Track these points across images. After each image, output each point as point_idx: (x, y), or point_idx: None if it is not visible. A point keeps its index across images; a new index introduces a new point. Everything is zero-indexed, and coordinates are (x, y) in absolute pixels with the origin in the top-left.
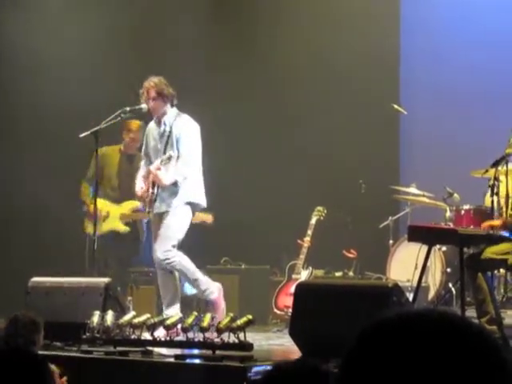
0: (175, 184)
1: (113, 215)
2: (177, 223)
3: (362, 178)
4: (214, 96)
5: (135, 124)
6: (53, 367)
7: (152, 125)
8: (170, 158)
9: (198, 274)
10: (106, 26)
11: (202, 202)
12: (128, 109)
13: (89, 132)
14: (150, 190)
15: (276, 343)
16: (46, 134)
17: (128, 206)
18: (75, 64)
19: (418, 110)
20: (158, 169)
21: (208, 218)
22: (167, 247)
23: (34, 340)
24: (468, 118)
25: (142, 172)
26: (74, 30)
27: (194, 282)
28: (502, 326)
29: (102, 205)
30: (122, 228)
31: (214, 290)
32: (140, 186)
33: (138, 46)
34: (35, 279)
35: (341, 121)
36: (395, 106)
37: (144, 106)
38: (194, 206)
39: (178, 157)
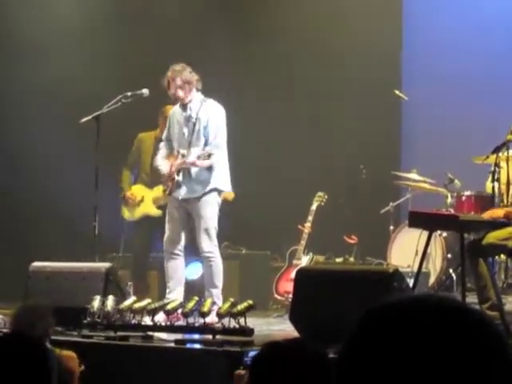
0: (208, 169)
1: (147, 199)
2: (212, 214)
3: (363, 163)
4: (218, 83)
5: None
6: (71, 353)
7: (177, 109)
8: (210, 156)
9: (221, 285)
10: (107, 11)
11: (227, 187)
12: (129, 94)
13: (90, 117)
14: (176, 177)
15: (276, 328)
16: (46, 120)
17: (160, 189)
18: (77, 49)
19: (419, 95)
20: (194, 163)
21: (229, 195)
22: (213, 239)
23: (48, 326)
24: (470, 105)
25: (162, 154)
26: (74, 16)
27: (213, 288)
28: (503, 312)
29: (138, 190)
30: (155, 211)
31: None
32: (167, 167)
33: (141, 31)
34: (36, 264)
35: (342, 107)
36: (396, 92)
37: (145, 90)
38: (219, 193)
39: (205, 142)
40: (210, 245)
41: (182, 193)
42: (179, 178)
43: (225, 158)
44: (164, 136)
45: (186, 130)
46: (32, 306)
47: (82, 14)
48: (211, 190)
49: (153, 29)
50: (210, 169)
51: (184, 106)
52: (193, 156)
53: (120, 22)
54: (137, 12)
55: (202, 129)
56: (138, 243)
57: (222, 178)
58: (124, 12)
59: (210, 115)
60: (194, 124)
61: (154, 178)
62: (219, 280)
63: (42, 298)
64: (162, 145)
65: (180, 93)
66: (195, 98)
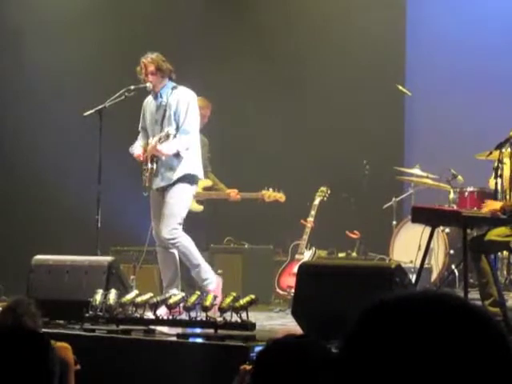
0: (177, 156)
1: None
2: (179, 200)
3: (366, 158)
4: (217, 80)
5: (202, 101)
6: (65, 344)
7: (149, 99)
8: (168, 136)
9: (201, 261)
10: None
11: (200, 173)
12: (132, 87)
13: (93, 110)
14: (149, 166)
15: (278, 323)
16: (48, 114)
17: (200, 184)
18: (77, 43)
19: (423, 91)
20: (155, 148)
21: (281, 197)
22: (173, 225)
23: (35, 317)
24: (473, 100)
25: (139, 142)
26: (73, 9)
27: (195, 268)
28: (505, 308)
29: None
30: (197, 207)
31: (213, 280)
32: (138, 152)
33: (142, 27)
34: (38, 257)
35: (346, 101)
36: (400, 88)
37: (149, 84)
38: (192, 178)
39: (176, 128)
40: (168, 231)
41: (157, 182)
42: (153, 166)
43: (195, 144)
44: (140, 126)
45: (158, 118)
46: (14, 302)
47: (81, 8)
48: (184, 176)
49: (154, 24)
50: (179, 154)
51: (155, 95)
52: (154, 141)
53: (120, 17)
54: (137, 8)
55: (172, 114)
56: None
57: (193, 163)
58: (124, 7)
59: (180, 100)
60: (165, 111)
61: None
62: (195, 257)
63: (37, 291)
64: (140, 135)
65: (151, 78)
66: (166, 86)
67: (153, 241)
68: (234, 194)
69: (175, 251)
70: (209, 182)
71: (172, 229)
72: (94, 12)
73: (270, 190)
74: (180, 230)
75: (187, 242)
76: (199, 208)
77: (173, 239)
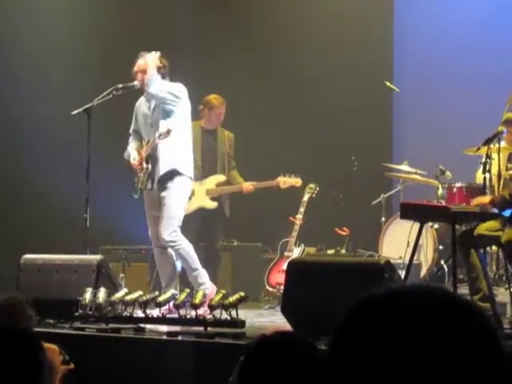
0: (174, 154)
1: (198, 192)
2: (177, 202)
3: (355, 155)
4: (213, 77)
5: (218, 99)
6: (53, 346)
7: (141, 101)
8: (168, 132)
9: (199, 265)
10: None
11: (186, 171)
12: (120, 86)
13: (81, 109)
14: (144, 165)
15: (268, 320)
16: (38, 113)
17: (213, 180)
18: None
19: (410, 87)
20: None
21: (297, 181)
22: (173, 228)
23: (29, 317)
24: (461, 96)
25: (132, 145)
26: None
27: (193, 272)
28: (494, 303)
29: None
30: (210, 204)
31: (209, 286)
32: (133, 156)
33: (140, 28)
34: (27, 256)
35: (334, 98)
36: (388, 84)
37: (136, 83)
38: (186, 178)
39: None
40: (169, 234)
41: (151, 183)
42: (148, 166)
43: (187, 143)
44: (131, 129)
45: (152, 121)
46: (9, 299)
47: (71, 5)
48: (177, 178)
49: (146, 23)
50: (175, 153)
51: (147, 96)
52: (155, 135)
53: (112, 15)
54: (134, 8)
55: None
56: (195, 235)
57: (185, 163)
58: (115, 4)
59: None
60: (159, 113)
61: (205, 172)
62: (194, 261)
63: (27, 290)
64: (131, 138)
65: (140, 76)
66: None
67: (142, 239)
68: (246, 185)
69: (173, 252)
70: (222, 178)
71: (172, 231)
72: (84, 9)
73: (287, 176)
74: (179, 233)
75: (187, 247)
76: (213, 205)
77: (173, 242)
